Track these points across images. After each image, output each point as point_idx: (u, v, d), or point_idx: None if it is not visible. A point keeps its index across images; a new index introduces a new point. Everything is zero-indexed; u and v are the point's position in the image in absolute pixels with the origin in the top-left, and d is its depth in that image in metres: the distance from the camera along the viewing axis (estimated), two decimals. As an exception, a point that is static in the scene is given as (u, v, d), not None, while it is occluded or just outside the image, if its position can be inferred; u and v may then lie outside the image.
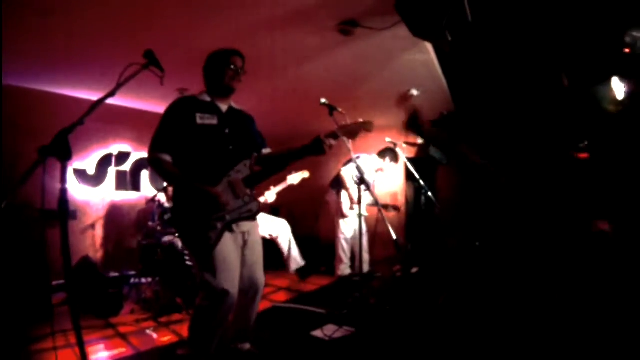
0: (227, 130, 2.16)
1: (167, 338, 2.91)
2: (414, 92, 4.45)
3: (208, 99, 2.18)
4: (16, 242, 3.32)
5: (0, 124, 3.38)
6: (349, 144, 2.33)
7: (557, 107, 4.47)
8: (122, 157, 5.17)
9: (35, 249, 3.41)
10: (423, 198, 3.97)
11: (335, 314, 3.19)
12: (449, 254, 5.23)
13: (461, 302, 3.42)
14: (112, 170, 5.07)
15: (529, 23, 3.41)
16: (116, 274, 4.19)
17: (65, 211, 1.41)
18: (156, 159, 2.02)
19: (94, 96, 4.39)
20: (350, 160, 4.49)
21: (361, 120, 2.18)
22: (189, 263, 3.59)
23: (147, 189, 5.36)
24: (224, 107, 2.22)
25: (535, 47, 3.75)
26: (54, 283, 3.51)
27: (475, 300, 3.42)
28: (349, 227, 4.71)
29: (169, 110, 2.09)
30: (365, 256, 4.65)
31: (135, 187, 5.29)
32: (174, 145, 2.04)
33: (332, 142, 2.09)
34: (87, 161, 4.85)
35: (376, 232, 4.27)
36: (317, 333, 2.84)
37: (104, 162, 5.00)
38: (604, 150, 4.41)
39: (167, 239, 3.84)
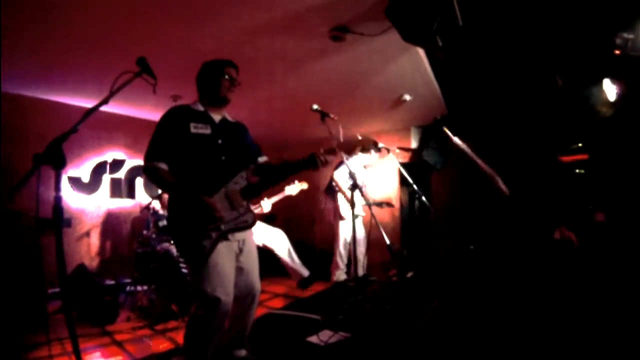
0: (220, 141, 2.17)
1: (163, 346, 2.90)
2: (407, 97, 4.49)
3: (201, 108, 2.19)
4: (11, 250, 3.31)
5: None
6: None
7: (550, 109, 4.52)
8: (117, 164, 5.16)
9: (30, 257, 3.40)
10: (417, 203, 3.98)
11: (331, 320, 3.20)
12: (444, 258, 5.24)
13: (456, 305, 3.43)
14: (106, 178, 5.06)
15: (519, 26, 3.44)
16: (112, 282, 4.18)
17: (60, 219, 1.40)
18: (152, 168, 2.02)
19: (89, 103, 4.36)
20: (341, 163, 4.51)
21: (360, 137, 2.22)
22: (184, 270, 3.59)
23: (142, 196, 5.35)
24: (217, 117, 2.23)
25: (527, 49, 3.78)
26: (50, 291, 3.51)
27: (470, 304, 3.44)
28: (348, 229, 4.68)
29: (163, 118, 2.10)
30: (363, 260, 4.67)
31: (130, 194, 5.28)
32: (169, 154, 2.04)
33: (328, 157, 2.13)
34: (82, 169, 4.84)
35: (370, 237, 4.28)
36: (313, 339, 2.83)
37: (99, 170, 4.98)
38: (598, 151, 4.45)
39: (162, 246, 3.84)
